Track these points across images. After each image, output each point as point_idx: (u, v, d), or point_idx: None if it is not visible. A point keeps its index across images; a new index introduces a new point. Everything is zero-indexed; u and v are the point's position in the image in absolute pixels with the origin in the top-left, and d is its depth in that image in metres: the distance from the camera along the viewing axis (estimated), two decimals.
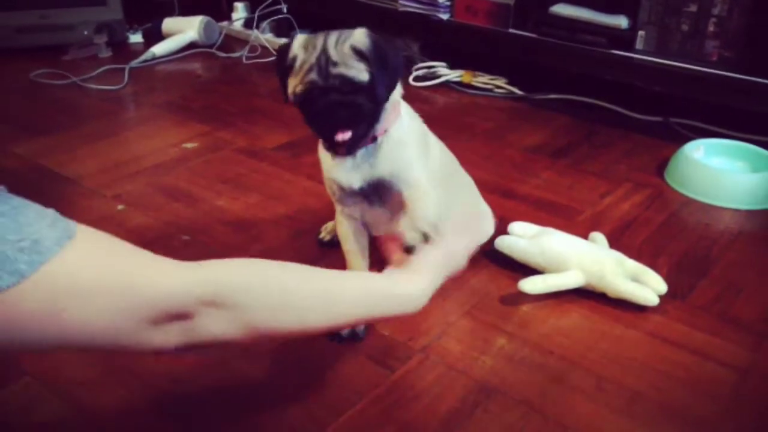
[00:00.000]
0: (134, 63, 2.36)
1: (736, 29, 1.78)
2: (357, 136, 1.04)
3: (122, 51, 2.51)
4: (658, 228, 1.48)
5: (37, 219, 0.59)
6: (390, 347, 1.12)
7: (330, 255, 1.34)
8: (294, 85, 1.03)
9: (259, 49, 2.54)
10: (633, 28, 1.90)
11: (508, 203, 1.55)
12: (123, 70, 2.29)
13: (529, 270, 1.27)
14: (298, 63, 1.02)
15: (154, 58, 2.43)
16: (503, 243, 1.31)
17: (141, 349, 0.66)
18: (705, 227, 1.49)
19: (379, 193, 1.13)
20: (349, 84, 1.00)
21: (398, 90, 1.10)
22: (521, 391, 1.03)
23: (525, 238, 1.31)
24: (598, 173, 1.71)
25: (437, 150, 1.22)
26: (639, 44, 1.91)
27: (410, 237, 1.04)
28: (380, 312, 0.85)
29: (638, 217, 1.52)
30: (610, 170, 1.73)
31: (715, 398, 1.03)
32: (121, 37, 2.57)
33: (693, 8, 1.82)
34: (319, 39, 1.01)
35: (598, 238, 1.35)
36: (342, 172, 1.11)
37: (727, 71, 1.78)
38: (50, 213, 0.61)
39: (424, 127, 1.20)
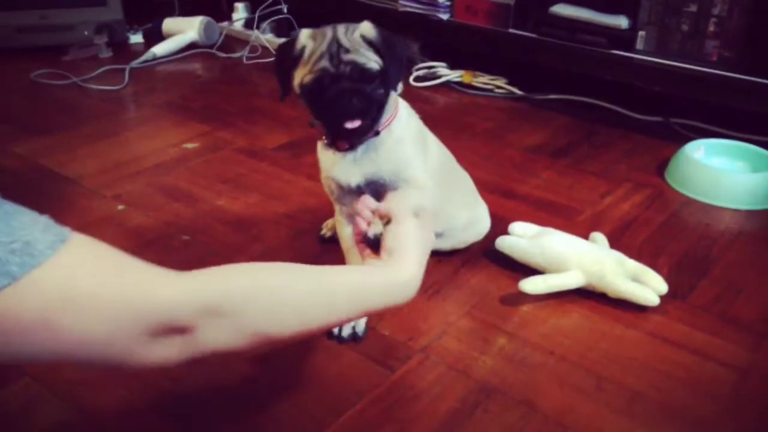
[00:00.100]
0: (134, 63, 2.36)
1: (736, 29, 1.78)
2: (364, 126, 1.04)
3: (122, 51, 2.51)
4: (658, 228, 1.48)
5: (31, 224, 0.58)
6: (390, 347, 1.12)
7: (330, 254, 1.34)
8: (302, 75, 1.03)
9: (260, 50, 2.54)
10: (633, 28, 1.90)
11: (508, 203, 1.55)
12: (123, 70, 2.30)
13: (529, 270, 1.27)
14: (307, 52, 1.02)
15: (154, 58, 2.43)
16: (503, 243, 1.31)
17: (141, 364, 0.63)
18: (705, 227, 1.49)
19: (377, 191, 1.13)
20: (359, 71, 1.01)
21: (400, 85, 1.10)
22: (521, 391, 1.03)
23: (525, 238, 1.31)
24: (599, 173, 1.71)
25: (435, 147, 1.22)
26: (639, 44, 1.91)
27: (372, 229, 0.96)
28: (379, 303, 0.82)
29: (638, 217, 1.52)
30: (611, 170, 1.73)
31: (715, 398, 1.03)
32: (122, 37, 2.57)
33: (693, 8, 1.82)
34: (328, 30, 1.02)
35: (599, 238, 1.35)
36: (341, 169, 1.11)
37: (727, 71, 1.78)
38: (44, 219, 0.60)
39: (423, 127, 1.20)
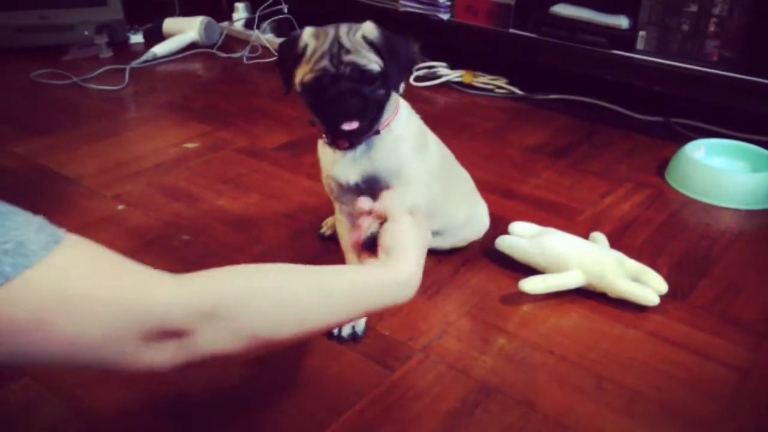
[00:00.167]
0: (135, 63, 2.36)
1: (736, 29, 1.78)
2: (363, 127, 1.04)
3: (123, 51, 2.51)
4: (658, 228, 1.48)
5: (24, 224, 0.57)
6: (390, 347, 1.12)
7: (330, 254, 1.34)
8: (303, 73, 1.03)
9: (260, 50, 2.54)
10: (633, 28, 1.90)
11: (508, 203, 1.55)
12: (123, 70, 2.30)
13: (529, 270, 1.27)
14: (309, 51, 1.02)
15: (154, 58, 2.43)
16: (504, 243, 1.31)
17: (135, 367, 0.62)
18: (705, 227, 1.49)
19: (374, 189, 1.13)
20: (359, 73, 1.01)
21: (401, 86, 1.11)
22: (521, 391, 1.03)
23: (525, 238, 1.30)
24: (599, 173, 1.71)
25: (435, 146, 1.22)
26: (639, 44, 1.90)
27: (366, 226, 0.95)
28: (378, 303, 0.81)
29: (639, 217, 1.52)
30: (611, 170, 1.73)
31: (716, 398, 1.03)
32: (122, 37, 2.57)
33: (693, 8, 1.82)
34: (331, 29, 1.02)
35: (599, 238, 1.35)
36: (340, 167, 1.12)
37: (727, 71, 1.78)
38: (38, 220, 0.59)
39: (424, 127, 1.20)
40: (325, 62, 1.01)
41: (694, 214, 1.54)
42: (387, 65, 1.02)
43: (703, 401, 1.02)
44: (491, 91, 2.22)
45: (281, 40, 2.53)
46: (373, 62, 1.01)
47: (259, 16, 2.61)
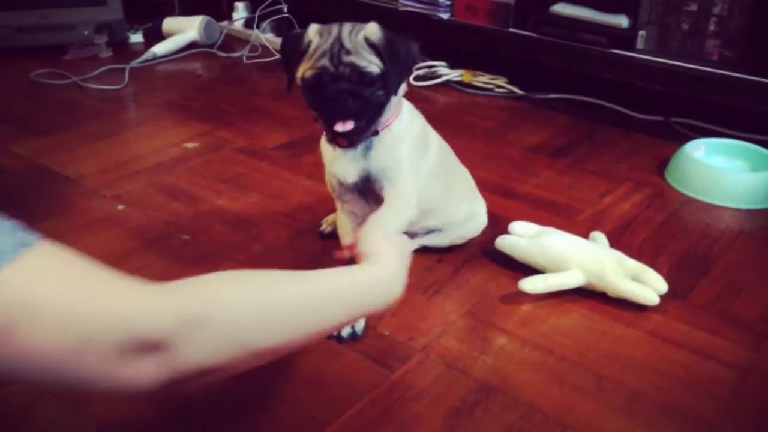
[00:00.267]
0: (135, 63, 2.36)
1: (736, 28, 1.77)
2: (359, 128, 1.04)
3: (122, 51, 2.51)
4: (658, 227, 1.48)
5: None
6: (390, 347, 1.12)
7: (330, 255, 1.34)
8: (305, 69, 1.03)
9: (260, 49, 2.54)
10: (633, 28, 1.90)
11: (508, 203, 1.55)
12: (123, 69, 2.30)
13: (529, 269, 1.27)
14: (312, 48, 1.02)
15: (154, 57, 2.43)
16: (503, 242, 1.31)
17: (115, 386, 0.58)
18: (705, 226, 1.49)
19: (371, 191, 1.13)
20: (358, 74, 1.01)
21: (402, 87, 1.11)
22: (521, 391, 1.03)
23: (525, 238, 1.30)
24: (599, 172, 1.71)
25: (436, 147, 1.22)
26: (639, 44, 1.90)
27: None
28: (367, 303, 0.79)
29: (638, 216, 1.52)
30: (611, 169, 1.73)
31: (715, 398, 1.03)
32: (122, 36, 2.57)
33: (693, 7, 1.82)
34: (334, 27, 1.03)
35: (599, 237, 1.35)
36: (340, 165, 1.12)
37: (727, 70, 1.78)
38: (10, 224, 0.56)
39: (425, 124, 1.20)
40: (325, 61, 1.01)
41: (694, 213, 1.54)
42: (387, 68, 1.02)
43: (703, 401, 1.02)
44: (491, 90, 2.22)
45: (282, 38, 2.54)
46: (372, 64, 1.02)
47: (258, 16, 2.61)
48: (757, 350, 1.12)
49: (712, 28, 1.80)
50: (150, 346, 0.58)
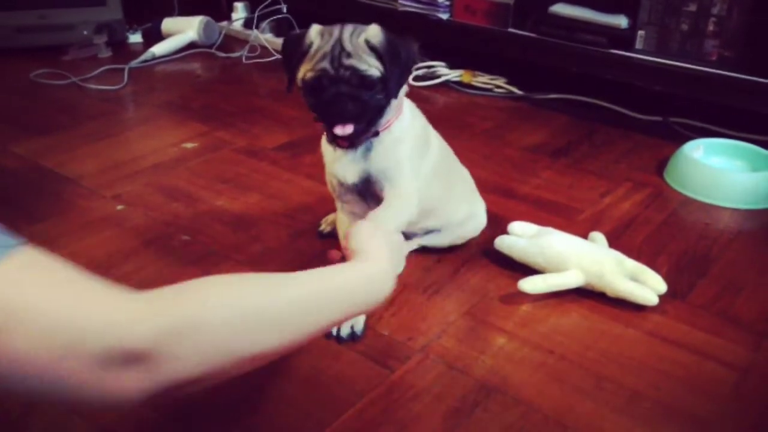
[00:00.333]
0: (134, 63, 2.36)
1: (735, 29, 1.78)
2: (358, 130, 1.04)
3: (122, 51, 2.51)
4: (657, 227, 1.48)
5: None
6: (389, 347, 1.12)
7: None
8: (305, 70, 1.03)
9: (259, 49, 2.54)
10: (633, 28, 1.90)
11: (508, 203, 1.55)
12: (123, 70, 2.29)
13: (528, 269, 1.27)
14: (313, 49, 1.02)
15: (153, 58, 2.43)
16: (503, 243, 1.31)
17: (98, 397, 0.56)
18: (705, 226, 1.49)
19: (371, 192, 1.13)
20: (358, 77, 1.01)
21: (403, 88, 1.11)
22: (521, 391, 1.03)
23: (525, 238, 1.31)
24: (598, 173, 1.71)
25: (437, 147, 1.22)
26: (639, 44, 1.91)
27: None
28: (357, 300, 0.78)
29: (638, 216, 1.52)
30: (610, 170, 1.73)
31: (715, 398, 1.03)
32: (121, 37, 2.57)
33: (692, 8, 1.82)
34: (336, 29, 1.03)
35: (598, 237, 1.35)
36: (340, 165, 1.12)
37: (726, 71, 1.78)
38: None
39: (426, 124, 1.20)
40: (326, 63, 1.01)
41: (693, 213, 1.55)
42: (388, 71, 1.02)
43: (703, 401, 1.02)
44: (490, 90, 2.22)
45: (281, 39, 2.54)
46: (373, 67, 1.01)
47: (258, 16, 2.61)
48: (757, 350, 1.13)
49: (711, 28, 1.81)
50: (132, 357, 0.56)
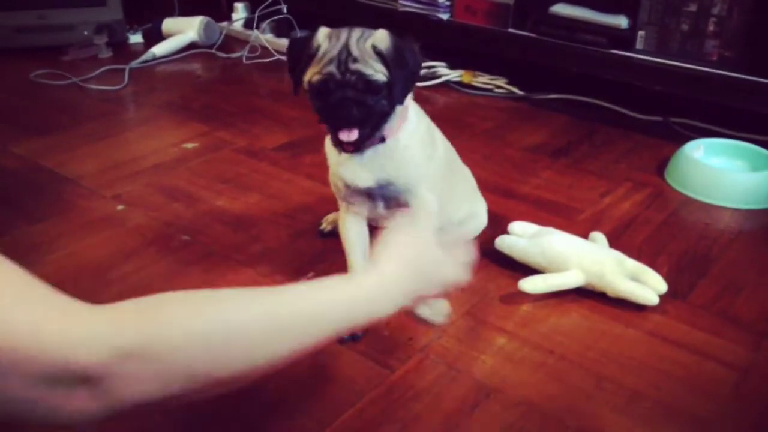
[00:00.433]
0: (134, 63, 2.36)
1: (735, 29, 1.78)
2: (363, 136, 1.04)
3: (122, 51, 2.51)
4: (658, 227, 1.48)
5: None
6: (390, 347, 1.12)
7: (331, 253, 1.34)
8: (312, 73, 1.03)
9: (259, 50, 2.54)
10: (633, 28, 1.90)
11: (508, 203, 1.55)
12: (123, 70, 2.29)
13: (529, 269, 1.27)
14: (321, 52, 1.02)
15: (154, 58, 2.43)
16: (503, 243, 1.31)
17: (47, 417, 0.53)
18: (705, 226, 1.49)
19: (385, 196, 1.13)
20: (364, 82, 1.01)
21: (409, 94, 1.10)
22: (521, 391, 1.03)
23: (525, 238, 1.31)
24: (598, 173, 1.71)
25: (442, 149, 1.23)
26: (639, 44, 1.91)
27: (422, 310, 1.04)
28: (349, 322, 0.72)
29: (638, 216, 1.52)
30: (610, 170, 1.73)
31: (715, 398, 1.03)
32: (121, 37, 2.57)
33: (693, 8, 1.82)
34: (343, 33, 1.02)
35: (598, 237, 1.35)
36: (348, 168, 1.11)
37: (727, 71, 1.78)
38: None
39: (431, 126, 1.21)
40: (332, 67, 1.01)
41: (693, 213, 1.55)
42: (393, 77, 1.02)
43: (703, 401, 1.02)
44: (491, 90, 2.22)
45: (282, 39, 2.55)
46: (379, 73, 1.01)
47: (258, 16, 2.61)
48: (757, 350, 1.13)
49: (711, 28, 1.81)
50: (81, 377, 0.53)
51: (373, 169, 1.10)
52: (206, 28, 2.57)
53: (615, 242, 1.36)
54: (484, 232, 1.39)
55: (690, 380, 1.06)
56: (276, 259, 1.35)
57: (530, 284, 1.21)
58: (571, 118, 2.03)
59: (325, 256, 1.35)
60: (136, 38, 2.63)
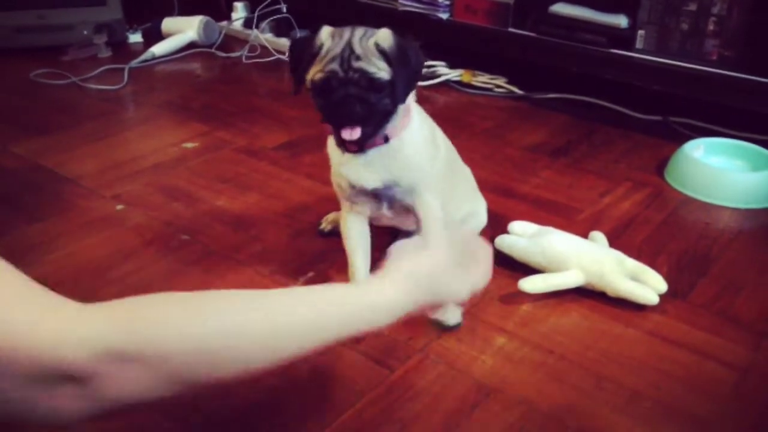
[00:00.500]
0: (134, 63, 2.36)
1: (735, 28, 1.77)
2: (366, 134, 1.04)
3: (122, 51, 2.51)
4: (657, 227, 1.48)
5: None
6: (390, 347, 1.12)
7: (331, 253, 1.34)
8: (315, 71, 1.03)
9: (259, 49, 2.54)
10: (633, 28, 1.90)
11: (507, 202, 1.55)
12: (122, 70, 2.29)
13: (529, 269, 1.27)
14: (324, 50, 1.02)
15: (153, 58, 2.43)
16: (503, 242, 1.31)
17: (31, 416, 0.53)
18: (705, 226, 1.49)
19: (390, 197, 1.13)
20: (367, 80, 1.01)
21: (412, 94, 1.10)
22: (521, 391, 1.03)
23: (525, 238, 1.31)
24: (598, 172, 1.71)
25: (444, 149, 1.23)
26: (639, 43, 1.90)
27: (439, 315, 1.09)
28: (348, 331, 0.72)
29: (638, 216, 1.52)
30: (610, 169, 1.73)
31: (715, 397, 1.03)
32: (121, 37, 2.57)
33: (692, 7, 1.82)
34: (346, 31, 1.02)
35: (598, 237, 1.35)
36: (351, 168, 1.11)
37: (726, 70, 1.78)
38: None
39: (434, 126, 1.21)
40: (335, 65, 1.01)
41: (693, 213, 1.55)
42: (396, 76, 1.02)
43: (703, 400, 1.02)
44: (490, 90, 2.22)
45: (280, 39, 2.55)
46: (382, 71, 1.01)
47: (258, 16, 2.60)
48: (757, 350, 1.13)
49: (711, 27, 1.80)
50: (66, 376, 0.53)
51: (378, 170, 1.10)
52: (206, 27, 2.57)
53: (615, 242, 1.35)
54: (484, 231, 1.39)
55: (690, 380, 1.06)
56: (276, 258, 1.35)
57: (530, 284, 1.21)
58: (570, 118, 2.03)
59: (324, 256, 1.35)
60: (135, 38, 2.63)
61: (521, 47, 2.07)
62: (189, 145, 1.84)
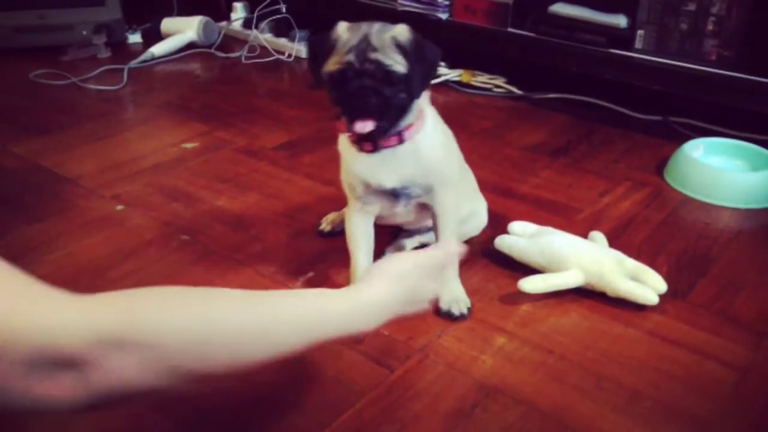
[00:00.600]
0: (133, 63, 2.36)
1: (734, 28, 1.78)
2: (380, 128, 1.03)
3: (121, 51, 2.51)
4: (657, 227, 1.48)
5: None
6: (389, 347, 1.12)
7: (331, 253, 1.34)
8: (331, 63, 1.03)
9: (258, 49, 2.54)
10: (632, 28, 1.90)
11: (507, 202, 1.55)
12: (122, 70, 2.29)
13: (528, 269, 1.27)
14: (340, 43, 1.02)
15: (153, 58, 2.43)
16: (503, 242, 1.31)
17: (28, 400, 0.54)
18: (704, 226, 1.49)
19: (407, 195, 1.13)
20: (383, 72, 1.01)
21: (425, 95, 1.10)
22: (521, 391, 1.03)
23: (524, 238, 1.31)
24: (598, 172, 1.71)
25: (456, 149, 1.24)
26: (638, 43, 1.91)
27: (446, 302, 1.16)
28: (329, 330, 0.74)
29: (638, 216, 1.52)
30: (610, 169, 1.73)
31: (715, 397, 1.03)
32: (120, 37, 2.57)
33: (692, 7, 1.82)
34: (363, 25, 1.03)
35: (598, 237, 1.35)
36: (366, 167, 1.11)
37: (726, 70, 1.78)
38: None
39: (446, 127, 1.21)
40: (351, 57, 1.01)
41: (693, 213, 1.55)
42: (412, 70, 1.02)
43: (703, 400, 1.02)
44: (490, 90, 2.22)
45: (279, 39, 2.55)
46: (398, 64, 1.01)
47: (257, 16, 2.60)
48: (757, 350, 1.13)
49: (710, 27, 1.81)
50: (64, 362, 0.54)
51: (395, 169, 1.10)
52: (205, 27, 2.57)
53: (614, 242, 1.36)
54: (484, 231, 1.39)
55: (690, 380, 1.06)
56: (275, 258, 1.35)
57: (530, 284, 1.21)
58: (570, 118, 2.03)
59: (324, 256, 1.35)
60: (135, 38, 2.63)
61: (521, 47, 2.07)
62: (189, 145, 1.84)
